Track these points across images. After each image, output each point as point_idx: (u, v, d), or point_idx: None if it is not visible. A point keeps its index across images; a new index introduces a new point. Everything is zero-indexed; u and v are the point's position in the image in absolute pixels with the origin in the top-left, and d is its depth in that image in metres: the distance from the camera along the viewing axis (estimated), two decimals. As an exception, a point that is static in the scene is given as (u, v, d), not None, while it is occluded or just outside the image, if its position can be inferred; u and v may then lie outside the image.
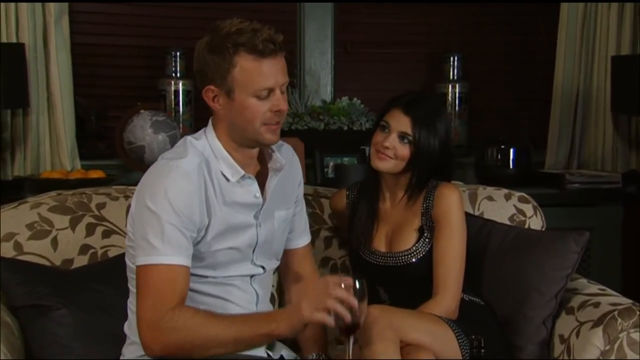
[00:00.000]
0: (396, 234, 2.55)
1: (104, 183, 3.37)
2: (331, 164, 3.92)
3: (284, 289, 2.55)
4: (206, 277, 2.16)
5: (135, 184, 2.79)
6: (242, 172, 2.15)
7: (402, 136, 2.49)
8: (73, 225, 2.53)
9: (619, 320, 2.32)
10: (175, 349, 2.00)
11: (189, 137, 2.20)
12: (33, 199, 2.56)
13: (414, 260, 2.50)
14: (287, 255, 2.42)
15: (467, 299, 2.52)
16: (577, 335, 2.40)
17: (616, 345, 2.30)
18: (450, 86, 4.22)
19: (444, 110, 2.60)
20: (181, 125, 3.93)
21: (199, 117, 4.02)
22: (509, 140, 4.07)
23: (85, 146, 3.93)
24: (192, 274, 2.09)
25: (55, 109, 3.66)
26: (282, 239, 2.35)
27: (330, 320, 1.95)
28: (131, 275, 2.16)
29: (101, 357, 2.26)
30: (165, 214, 2.03)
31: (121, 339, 2.25)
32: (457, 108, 4.21)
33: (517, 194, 2.90)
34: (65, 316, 2.27)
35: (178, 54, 3.95)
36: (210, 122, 2.22)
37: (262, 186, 2.22)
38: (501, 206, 2.85)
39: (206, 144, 2.17)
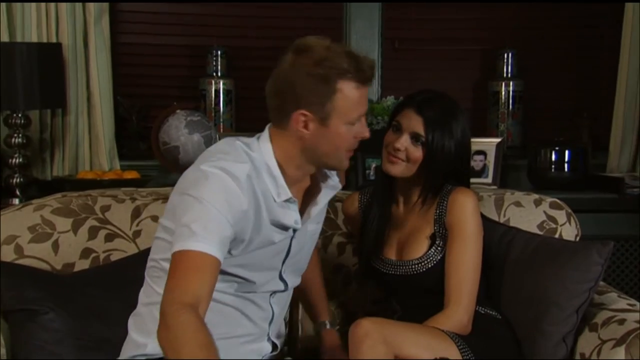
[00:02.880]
0: (407, 242, 2.41)
1: (138, 184, 3.34)
2: (373, 165, 3.79)
3: None
4: (232, 284, 2.10)
5: (170, 186, 2.75)
6: (289, 195, 2.07)
7: (415, 137, 2.35)
8: (75, 228, 2.48)
9: (644, 339, 2.13)
10: (160, 340, 1.86)
11: (239, 143, 2.09)
12: (37, 201, 2.52)
13: (424, 269, 2.36)
14: None
15: (482, 311, 2.36)
16: (599, 354, 2.22)
17: (640, 367, 2.10)
18: (503, 84, 4.02)
19: (461, 110, 2.42)
20: (221, 125, 3.87)
21: (239, 117, 3.96)
22: (564, 141, 3.85)
23: (127, 146, 3.92)
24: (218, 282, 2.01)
25: (95, 109, 3.66)
26: (309, 253, 2.29)
27: None
28: (152, 264, 2.12)
29: (86, 363, 2.21)
30: (213, 201, 1.93)
31: (113, 344, 2.20)
32: (510, 107, 4.02)
33: (549, 199, 2.72)
34: (52, 321, 2.22)
35: (219, 52, 3.89)
36: (267, 134, 2.11)
37: (305, 204, 2.18)
38: (530, 212, 2.67)
39: (260, 158, 2.07)
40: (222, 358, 2.02)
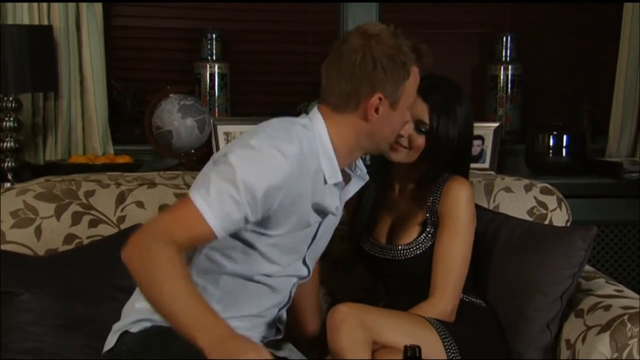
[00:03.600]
0: (398, 227, 2.38)
1: (130, 168, 3.32)
2: (369, 150, 3.74)
3: None
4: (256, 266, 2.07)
5: (164, 171, 2.72)
6: (340, 179, 2.06)
7: (418, 124, 2.30)
8: (58, 213, 2.46)
9: (629, 325, 2.09)
10: (134, 260, 1.82)
11: (297, 126, 2.02)
12: (20, 186, 2.50)
13: (412, 255, 2.33)
14: None
15: (467, 299, 2.34)
16: (583, 340, 2.19)
17: (625, 353, 2.06)
18: (502, 68, 3.97)
19: (465, 95, 2.38)
20: (216, 110, 3.84)
21: (234, 101, 3.92)
22: (562, 126, 3.81)
23: (121, 131, 3.89)
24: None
25: (88, 93, 3.63)
26: (328, 239, 2.26)
27: None
28: None
29: (64, 342, 2.21)
30: (241, 174, 1.86)
31: (93, 324, 2.20)
32: (509, 91, 3.97)
33: (540, 184, 2.68)
34: (27, 302, 2.22)
35: (214, 36, 3.86)
36: (319, 114, 2.06)
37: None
38: (519, 198, 2.64)
39: (316, 138, 2.03)
40: None
